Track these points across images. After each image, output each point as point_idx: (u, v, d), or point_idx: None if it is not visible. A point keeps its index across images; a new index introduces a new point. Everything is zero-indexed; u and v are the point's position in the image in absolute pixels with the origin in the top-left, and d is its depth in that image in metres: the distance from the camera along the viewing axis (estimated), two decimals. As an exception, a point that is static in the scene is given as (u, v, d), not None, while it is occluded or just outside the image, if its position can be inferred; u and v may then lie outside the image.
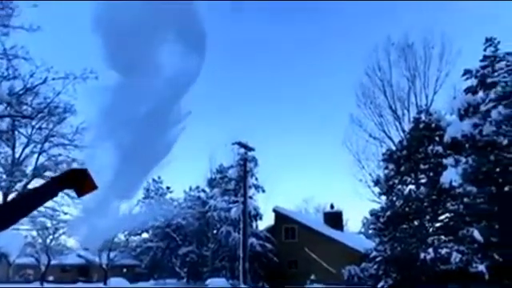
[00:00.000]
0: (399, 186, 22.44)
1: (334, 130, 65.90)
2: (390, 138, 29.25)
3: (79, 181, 2.33)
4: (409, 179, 22.24)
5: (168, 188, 43.37)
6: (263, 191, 33.65)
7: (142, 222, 32.76)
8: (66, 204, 21.08)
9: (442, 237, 19.52)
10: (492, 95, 18.78)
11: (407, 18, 40.61)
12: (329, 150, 70.09)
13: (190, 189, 39.95)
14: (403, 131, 27.90)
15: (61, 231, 31.52)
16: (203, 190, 38.75)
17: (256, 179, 33.29)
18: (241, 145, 26.41)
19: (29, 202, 2.10)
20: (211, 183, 37.95)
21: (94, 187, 2.45)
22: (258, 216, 32.75)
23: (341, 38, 49.71)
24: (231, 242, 31.21)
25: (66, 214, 21.99)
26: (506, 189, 18.14)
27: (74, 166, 22.01)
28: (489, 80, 19.21)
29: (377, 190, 25.19)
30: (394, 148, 25.19)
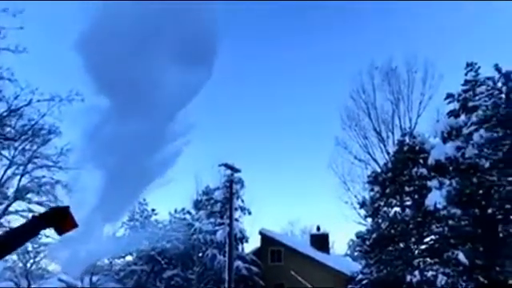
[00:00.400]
0: (385, 209, 22.54)
1: (319, 152, 66.19)
2: (375, 161, 29.54)
3: (60, 219, 2.34)
4: (394, 201, 22.38)
5: (153, 210, 42.76)
6: (249, 213, 33.44)
7: (127, 244, 32.19)
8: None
9: (428, 259, 19.56)
10: (474, 118, 19.16)
11: (390, 43, 41.59)
12: (315, 172, 70.26)
13: (176, 211, 39.46)
14: (388, 153, 28.19)
15: (42, 255, 30.77)
16: (189, 212, 38.32)
17: (242, 201, 33.13)
18: (227, 166, 26.31)
19: (10, 242, 2.10)
20: (197, 205, 37.59)
21: (74, 225, 2.45)
22: (243, 239, 32.45)
23: (326, 61, 50.49)
24: (216, 266, 30.79)
25: (47, 236, 21.53)
26: (489, 211, 18.35)
27: (58, 187, 21.71)
28: (470, 104, 19.64)
29: (362, 212, 25.29)
30: (379, 170, 25.39)
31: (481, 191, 18.28)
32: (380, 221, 22.19)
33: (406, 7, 43.58)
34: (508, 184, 17.47)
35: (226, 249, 26.47)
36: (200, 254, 33.91)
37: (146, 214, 42.52)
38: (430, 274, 18.31)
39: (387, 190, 22.10)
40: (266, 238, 32.98)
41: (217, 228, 32.20)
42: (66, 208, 2.42)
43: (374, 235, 21.63)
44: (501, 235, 18.43)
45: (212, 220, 33.59)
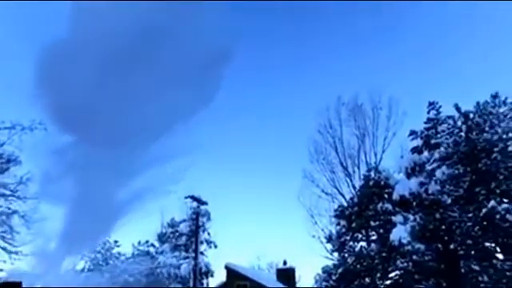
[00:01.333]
0: (351, 243, 22.66)
1: (288, 186, 66.24)
2: (342, 195, 29.85)
3: None
4: (360, 236, 22.55)
5: (116, 242, 41.46)
6: (215, 247, 32.95)
7: (86, 278, 30.86)
8: (1, 260, 19.62)
9: (393, 294, 19.63)
10: (436, 155, 19.76)
11: (357, 79, 42.91)
12: (283, 205, 69.98)
13: (139, 243, 38.39)
14: (354, 188, 28.57)
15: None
16: (153, 245, 37.34)
17: (208, 234, 32.66)
18: (193, 198, 25.96)
19: None
20: (161, 238, 36.73)
21: None
22: (208, 273, 31.80)
23: (295, 96, 51.44)
24: (180, 301, 29.91)
25: (1, 270, 20.41)
26: (452, 247, 18.71)
27: (15, 217, 20.76)
28: (433, 141, 20.29)
29: (329, 246, 25.32)
30: (345, 204, 25.63)
31: (443, 227, 18.65)
32: (346, 255, 22.24)
33: (371, 46, 45.43)
34: (468, 220, 17.93)
35: (191, 283, 25.80)
36: (164, 289, 32.91)
37: (108, 245, 41.12)
38: (394, 309, 18.35)
39: (353, 225, 22.28)
40: (232, 273, 32.33)
41: (181, 262, 31.46)
42: (18, 284, 2.23)
43: (340, 270, 21.59)
44: (463, 270, 18.76)
45: (177, 253, 32.83)
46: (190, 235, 31.72)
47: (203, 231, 31.23)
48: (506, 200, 18.11)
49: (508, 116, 19.00)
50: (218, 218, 35.03)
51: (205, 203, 26.70)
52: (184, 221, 33.46)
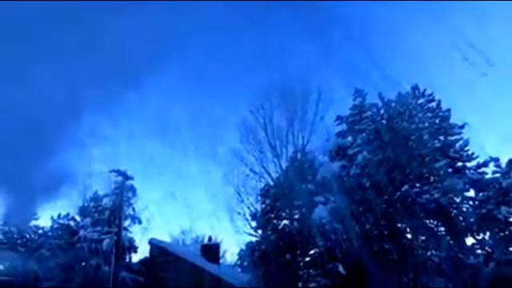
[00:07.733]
0: (275, 221, 23.29)
1: (215, 162, 66.11)
2: (269, 174, 30.37)
3: None
4: (284, 214, 23.24)
5: (34, 214, 39.34)
6: (140, 223, 32.29)
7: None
8: None
9: (311, 271, 20.57)
10: (359, 140, 20.75)
11: (289, 65, 43.19)
12: (209, 182, 69.85)
13: (59, 216, 36.68)
14: (281, 168, 29.20)
15: None
16: (73, 219, 35.84)
17: (133, 209, 31.87)
18: (119, 172, 25.25)
19: None
20: (83, 211, 35.31)
21: None
22: (132, 248, 31.21)
23: (229, 77, 50.94)
24: (101, 276, 29.15)
25: None
26: (367, 227, 19.91)
27: None
28: (357, 127, 21.25)
29: (254, 223, 25.87)
30: (271, 183, 26.22)
31: (361, 209, 19.77)
32: (270, 233, 22.86)
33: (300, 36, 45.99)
34: (383, 203, 19.16)
35: (112, 259, 25.29)
36: (83, 263, 31.88)
37: (24, 217, 38.93)
38: (312, 285, 19.27)
39: (278, 203, 22.89)
40: (156, 248, 32.09)
41: (103, 237, 30.56)
42: None
43: (263, 247, 22.21)
44: (375, 249, 20.06)
45: (99, 228, 31.77)
46: (113, 210, 30.80)
47: (128, 206, 30.49)
48: (418, 184, 19.53)
49: (425, 107, 20.31)
50: (143, 192, 34.35)
51: (130, 178, 26.11)
52: (108, 195, 32.35)
